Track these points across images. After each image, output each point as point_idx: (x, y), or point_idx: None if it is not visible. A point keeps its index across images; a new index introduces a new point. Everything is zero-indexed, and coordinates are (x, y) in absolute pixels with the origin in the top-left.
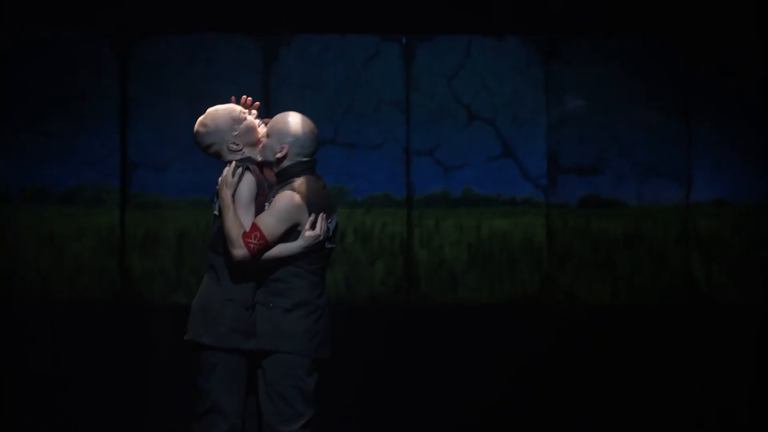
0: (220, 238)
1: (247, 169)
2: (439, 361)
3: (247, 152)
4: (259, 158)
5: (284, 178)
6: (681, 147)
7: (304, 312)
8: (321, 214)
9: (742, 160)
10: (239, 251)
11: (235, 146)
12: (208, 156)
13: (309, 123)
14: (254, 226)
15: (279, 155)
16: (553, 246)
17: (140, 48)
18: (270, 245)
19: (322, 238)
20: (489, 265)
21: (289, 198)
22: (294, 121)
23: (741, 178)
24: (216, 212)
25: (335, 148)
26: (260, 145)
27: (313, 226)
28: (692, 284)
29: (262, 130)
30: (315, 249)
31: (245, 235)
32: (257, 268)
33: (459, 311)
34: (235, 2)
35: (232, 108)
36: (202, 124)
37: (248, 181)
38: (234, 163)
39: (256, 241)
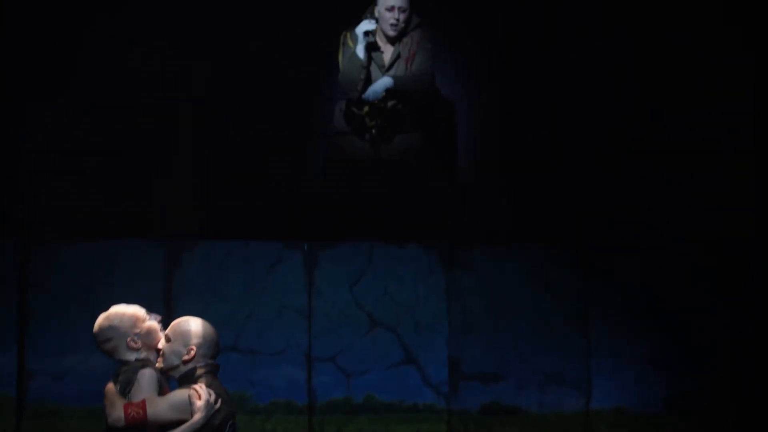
0: None
1: (145, 366)
2: None
3: (144, 353)
4: (161, 364)
5: (188, 381)
6: (580, 355)
7: None
8: (209, 392)
9: (640, 368)
10: (116, 413)
11: (134, 344)
12: (103, 353)
13: (211, 326)
14: (142, 401)
15: (186, 357)
16: None
17: (40, 254)
18: (145, 425)
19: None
20: None
21: (187, 392)
22: (197, 324)
23: (640, 387)
24: None
25: (236, 354)
26: (161, 352)
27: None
28: None
29: (161, 337)
30: None
31: (128, 403)
32: None
33: None
34: (137, 209)
35: (138, 309)
36: (107, 318)
37: (150, 374)
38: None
39: (134, 412)
